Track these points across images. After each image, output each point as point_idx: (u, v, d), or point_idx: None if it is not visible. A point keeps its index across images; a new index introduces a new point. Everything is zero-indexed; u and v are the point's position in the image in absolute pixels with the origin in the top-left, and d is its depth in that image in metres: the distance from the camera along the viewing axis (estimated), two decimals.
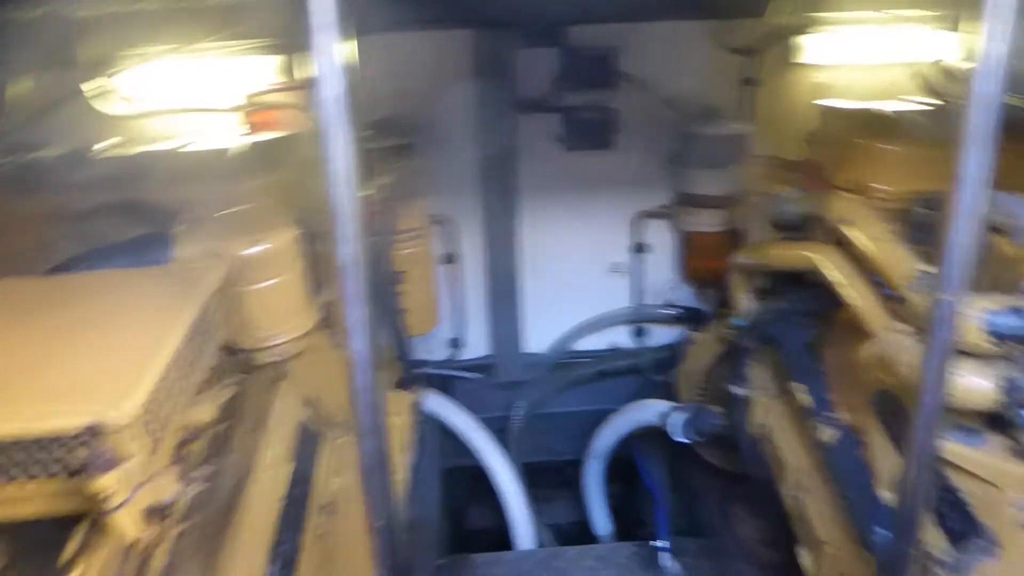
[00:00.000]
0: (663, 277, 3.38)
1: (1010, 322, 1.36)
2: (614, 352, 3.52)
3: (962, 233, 1.14)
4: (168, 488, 1.28)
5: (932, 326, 1.23)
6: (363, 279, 1.19)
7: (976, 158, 1.11)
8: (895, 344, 1.55)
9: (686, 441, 2.55)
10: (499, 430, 3.43)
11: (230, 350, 1.65)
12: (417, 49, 2.88)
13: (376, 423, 1.23)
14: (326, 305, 1.89)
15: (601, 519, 3.22)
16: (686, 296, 3.40)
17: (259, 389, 1.65)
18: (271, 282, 1.66)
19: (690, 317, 3.34)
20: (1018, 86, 1.14)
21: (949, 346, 1.23)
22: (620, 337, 3.53)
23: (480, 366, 3.49)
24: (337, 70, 1.06)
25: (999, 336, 1.37)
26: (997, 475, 1.48)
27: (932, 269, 1.43)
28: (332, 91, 1.07)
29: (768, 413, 2.14)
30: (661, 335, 3.50)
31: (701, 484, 2.73)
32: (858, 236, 1.73)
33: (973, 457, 1.50)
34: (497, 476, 3.21)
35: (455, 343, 3.46)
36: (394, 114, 2.87)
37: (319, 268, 1.85)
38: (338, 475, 1.76)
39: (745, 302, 2.35)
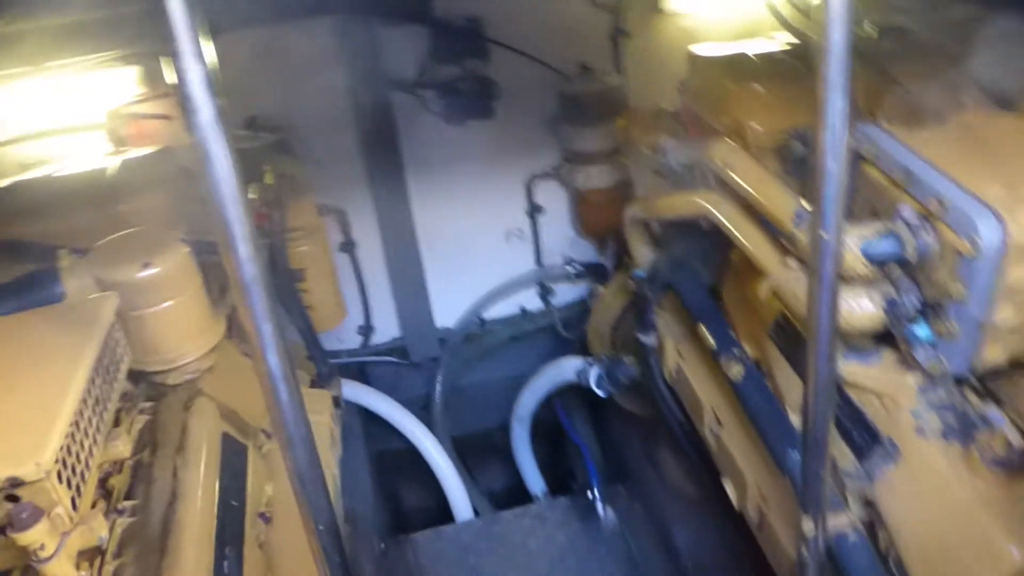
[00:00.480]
0: (562, 236, 3.45)
1: (885, 247, 1.46)
2: (524, 316, 3.58)
3: (831, 169, 1.21)
4: (97, 528, 1.27)
5: (815, 259, 1.31)
6: (266, 294, 1.18)
7: (835, 96, 1.17)
8: (786, 280, 1.64)
9: (604, 394, 2.63)
10: (422, 408, 3.46)
11: (139, 376, 1.61)
12: (280, 42, 2.81)
13: (302, 434, 1.24)
14: (230, 315, 1.86)
15: (534, 479, 3.30)
16: (586, 252, 3.47)
17: (174, 410, 1.63)
18: (169, 303, 1.63)
19: (593, 272, 3.42)
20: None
21: (833, 276, 1.32)
22: (528, 300, 3.59)
23: (393, 348, 3.50)
24: (201, 73, 1.00)
25: (877, 261, 1.47)
26: (891, 387, 1.60)
27: (809, 206, 1.53)
28: (199, 95, 1.01)
29: (678, 357, 2.23)
30: (567, 293, 3.58)
31: (624, 432, 2.84)
32: (740, 180, 1.81)
33: (868, 374, 1.62)
34: (426, 453, 3.24)
35: (365, 330, 3.45)
36: (265, 111, 2.81)
37: (217, 278, 1.82)
38: (270, 481, 1.76)
39: (643, 253, 2.43)
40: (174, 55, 1.00)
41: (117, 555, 1.35)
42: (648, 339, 2.32)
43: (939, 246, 1.42)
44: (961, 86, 1.76)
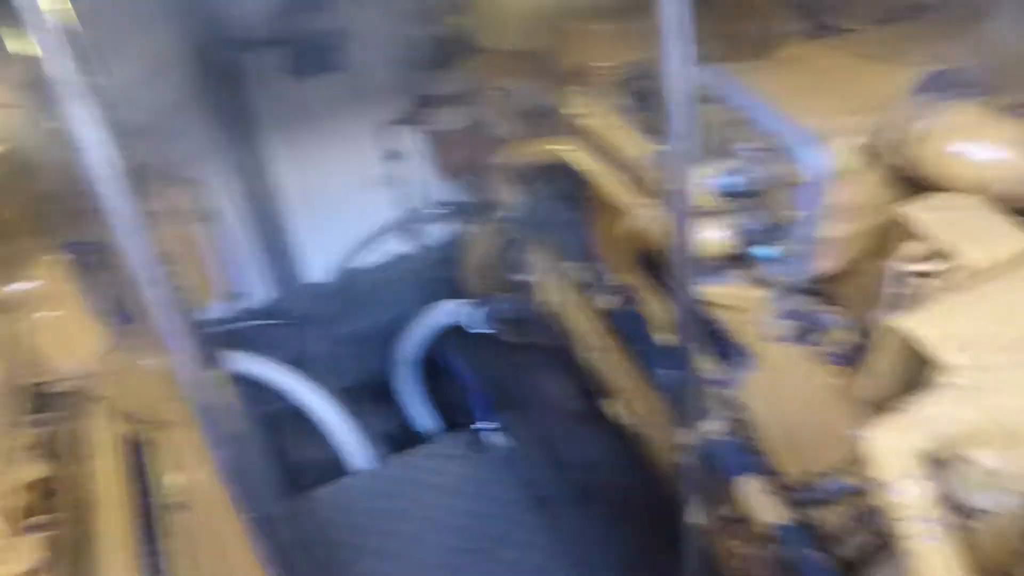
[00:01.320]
0: (424, 180, 3.51)
1: (729, 182, 1.64)
2: (396, 261, 3.65)
3: (676, 112, 1.32)
4: (23, 556, 1.27)
5: (669, 198, 1.47)
6: (166, 290, 1.21)
7: (676, 40, 1.29)
8: (645, 217, 1.80)
9: (486, 331, 2.78)
10: (304, 365, 3.49)
11: (34, 390, 1.61)
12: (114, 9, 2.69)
13: (224, 431, 1.30)
14: (119, 311, 1.86)
15: (424, 419, 3.43)
16: (450, 193, 3.56)
17: (74, 419, 1.64)
18: (53, 313, 1.61)
19: (459, 211, 3.52)
20: None
21: (687, 210, 1.48)
22: (399, 246, 3.66)
23: (270, 311, 3.50)
24: (63, 45, 0.89)
25: (724, 195, 1.65)
26: (745, 301, 1.81)
27: (661, 148, 1.68)
28: (66, 73, 0.91)
29: (552, 291, 2.38)
30: (436, 234, 3.66)
31: (506, 364, 2.99)
32: (593, 127, 1.95)
33: (723, 292, 1.82)
34: (314, 409, 3.30)
35: (239, 296, 3.43)
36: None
37: (102, 278, 1.80)
38: (181, 470, 1.80)
39: (512, 195, 2.54)
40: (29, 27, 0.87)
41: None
42: (523, 277, 2.47)
43: (775, 177, 1.61)
44: (790, 17, 1.95)
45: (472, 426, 3.05)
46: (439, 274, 3.62)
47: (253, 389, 3.18)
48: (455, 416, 3.20)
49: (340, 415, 3.30)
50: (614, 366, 2.14)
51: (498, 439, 2.99)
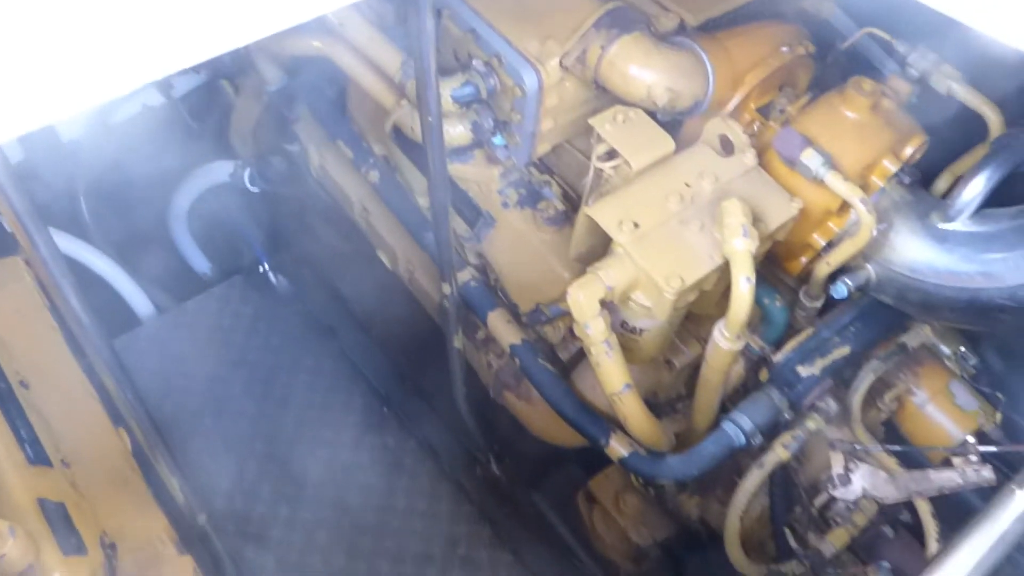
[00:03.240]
0: None
1: (466, 92, 2.12)
2: (148, 112, 3.76)
3: (421, 31, 1.68)
4: None
5: (421, 104, 1.90)
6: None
7: None
8: (402, 116, 2.26)
9: (258, 189, 3.13)
10: (71, 222, 3.64)
11: None
12: None
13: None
14: None
15: (202, 265, 3.75)
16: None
17: None
18: None
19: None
20: None
21: (436, 111, 1.92)
22: (148, 97, 3.75)
23: (22, 174, 3.55)
24: None
25: (462, 102, 2.14)
26: (483, 177, 2.36)
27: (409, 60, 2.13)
28: None
29: (322, 159, 2.78)
30: (187, 83, 3.78)
31: (280, 212, 3.38)
32: (352, 39, 2.30)
33: (468, 170, 2.36)
34: (90, 264, 3.50)
35: None
36: None
37: None
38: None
39: (274, 72, 2.83)
40: None
41: None
42: (292, 147, 2.84)
43: (502, 88, 2.12)
44: None
45: (252, 269, 3.45)
46: (193, 122, 3.79)
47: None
48: (239, 262, 3.56)
49: (117, 266, 3.53)
50: (384, 225, 2.64)
51: (278, 278, 3.43)
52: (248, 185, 3.12)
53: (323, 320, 3.37)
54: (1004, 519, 1.07)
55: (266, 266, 3.45)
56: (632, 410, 1.99)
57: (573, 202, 2.32)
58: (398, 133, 2.52)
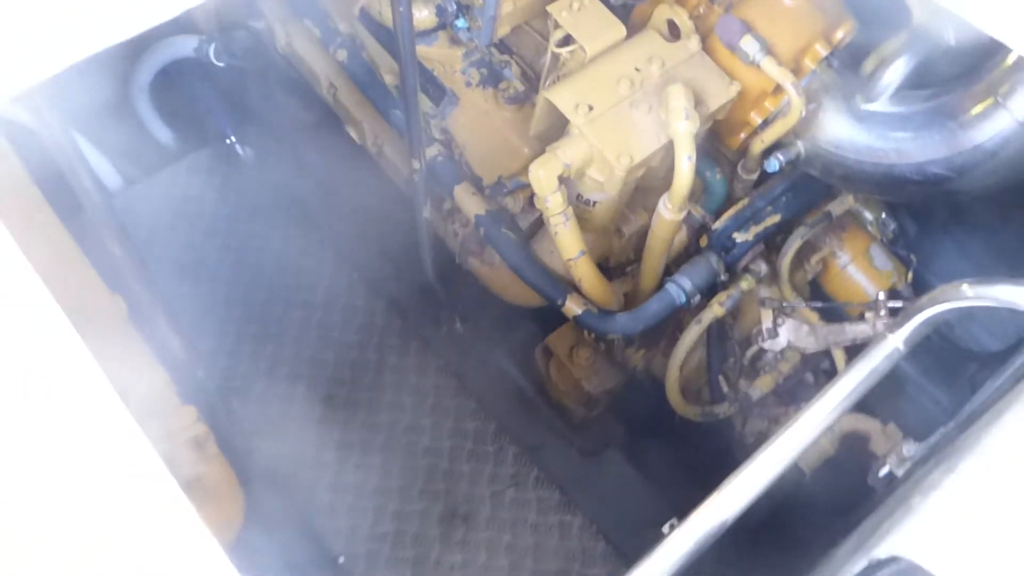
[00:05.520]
0: None
1: None
2: None
3: None
4: None
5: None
6: None
7: None
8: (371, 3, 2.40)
9: (223, 63, 3.24)
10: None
11: None
12: None
13: None
14: None
15: (165, 136, 3.86)
16: None
17: None
18: None
19: None
20: None
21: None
22: None
23: None
24: None
25: None
26: (447, 57, 2.54)
27: None
28: None
29: (288, 36, 2.90)
30: None
31: (243, 85, 3.49)
32: None
33: (432, 51, 2.53)
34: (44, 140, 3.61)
35: None
36: None
37: None
38: None
39: None
40: None
41: None
42: (257, 24, 2.95)
43: None
44: None
45: (218, 141, 3.59)
46: None
47: None
48: (205, 136, 3.69)
49: (85, 140, 3.64)
50: (352, 101, 2.80)
51: (245, 149, 3.58)
52: (213, 60, 3.22)
53: (291, 190, 3.56)
54: (876, 356, 1.38)
55: (232, 138, 3.59)
56: (586, 274, 2.28)
57: (532, 82, 2.52)
58: (363, 14, 2.67)
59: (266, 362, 3.27)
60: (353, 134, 2.89)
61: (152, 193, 3.60)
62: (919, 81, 2.20)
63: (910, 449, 1.93)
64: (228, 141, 3.61)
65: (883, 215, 2.69)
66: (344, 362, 3.30)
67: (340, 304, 3.45)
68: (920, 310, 1.34)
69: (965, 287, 1.27)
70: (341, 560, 3.00)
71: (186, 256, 3.47)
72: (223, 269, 3.46)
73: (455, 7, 2.35)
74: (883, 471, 1.89)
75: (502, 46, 2.55)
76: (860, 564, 1.15)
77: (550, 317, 2.73)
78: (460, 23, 2.39)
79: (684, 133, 2.02)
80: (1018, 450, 1.20)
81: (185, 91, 3.62)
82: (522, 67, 2.54)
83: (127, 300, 2.38)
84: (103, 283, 2.36)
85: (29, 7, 1.18)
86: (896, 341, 1.35)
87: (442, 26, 2.44)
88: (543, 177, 2.08)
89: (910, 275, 2.66)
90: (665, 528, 1.93)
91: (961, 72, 2.14)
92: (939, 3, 1.40)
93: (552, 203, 2.12)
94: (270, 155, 3.60)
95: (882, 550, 1.12)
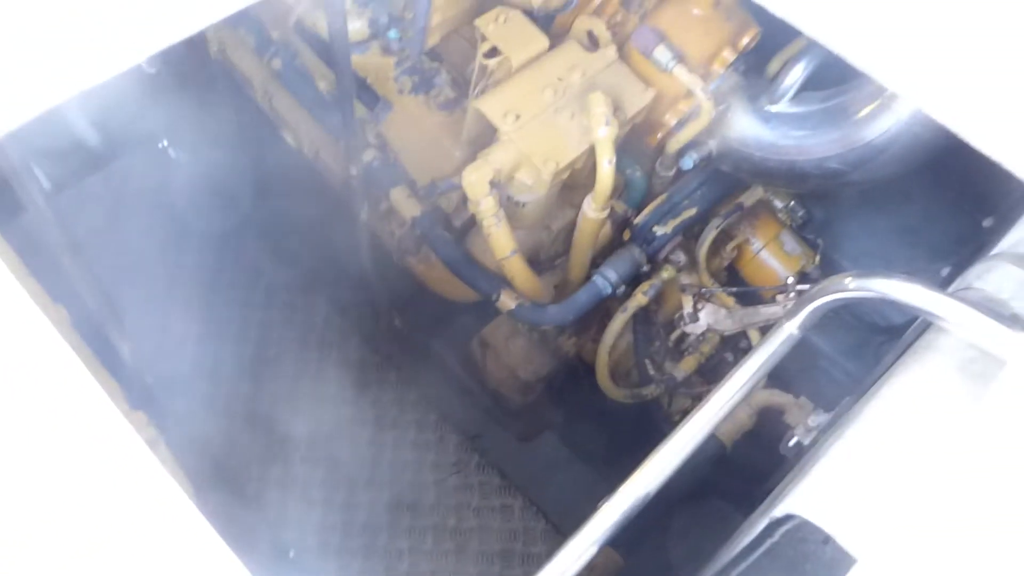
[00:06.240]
0: None
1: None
2: None
3: None
4: None
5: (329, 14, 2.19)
6: None
7: None
8: (305, 10, 2.51)
9: (155, 70, 3.29)
10: None
11: None
12: None
13: None
14: None
15: (93, 139, 3.88)
16: None
17: None
18: None
19: None
20: None
21: (341, 10, 2.21)
22: None
23: None
24: None
25: (361, 2, 2.42)
26: (381, 66, 2.66)
27: None
28: None
29: (221, 43, 2.99)
30: None
31: (178, 92, 3.55)
32: None
33: (366, 59, 2.65)
34: None
35: None
36: None
37: None
38: None
39: None
40: None
41: None
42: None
43: None
44: None
45: (155, 146, 3.64)
46: None
47: None
48: (135, 138, 3.72)
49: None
50: (288, 107, 2.90)
51: (181, 155, 3.65)
52: (144, 66, 3.27)
53: (226, 193, 3.63)
54: (775, 341, 1.58)
55: (165, 142, 3.64)
56: (518, 271, 2.45)
57: (461, 87, 2.66)
58: (298, 24, 2.77)
59: (210, 361, 3.36)
60: (289, 139, 2.99)
61: (83, 198, 3.63)
62: (817, 83, 2.42)
63: (816, 419, 2.15)
64: (160, 145, 3.66)
65: (792, 203, 2.91)
66: (285, 357, 3.42)
67: (279, 302, 3.56)
68: (811, 300, 1.53)
69: (848, 280, 1.47)
70: (291, 554, 3.12)
71: (123, 260, 3.52)
72: (160, 272, 3.53)
73: (387, 19, 2.48)
74: (792, 441, 2.10)
75: (432, 54, 2.68)
76: (762, 524, 1.34)
77: (483, 310, 2.89)
78: (392, 34, 2.52)
79: (605, 139, 2.20)
80: (893, 416, 1.41)
81: (115, 94, 3.65)
82: (452, 74, 2.68)
83: (69, 309, 2.46)
84: (45, 293, 2.44)
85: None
86: (791, 327, 1.55)
87: (374, 36, 2.56)
88: (476, 182, 2.24)
89: (818, 258, 2.89)
90: (601, 505, 2.14)
91: (852, 74, 2.36)
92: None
93: (485, 206, 2.27)
94: (204, 158, 3.66)
95: (779, 510, 1.32)
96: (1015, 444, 1.06)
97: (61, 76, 1.25)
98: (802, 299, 1.54)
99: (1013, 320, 1.33)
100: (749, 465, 2.59)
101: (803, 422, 2.20)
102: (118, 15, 1.30)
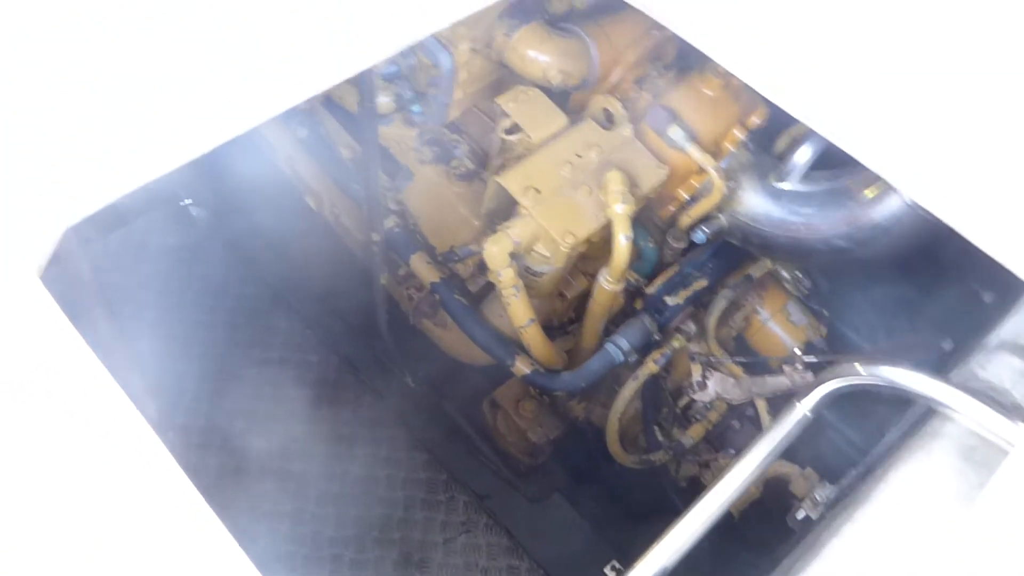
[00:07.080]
0: None
1: (390, 70, 2.52)
2: None
3: None
4: None
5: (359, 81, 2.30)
6: None
7: None
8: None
9: None
10: None
11: None
12: None
13: None
14: None
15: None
16: None
17: None
18: None
19: None
20: None
21: (371, 90, 2.34)
22: None
23: None
24: None
25: (388, 79, 2.54)
26: (403, 137, 2.78)
27: None
28: None
29: None
30: None
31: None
32: None
33: (389, 131, 2.76)
34: None
35: None
36: None
37: None
38: None
39: None
40: None
41: None
42: None
43: (420, 66, 2.52)
44: None
45: (176, 203, 3.74)
46: None
47: None
48: (158, 195, 3.83)
49: None
50: (312, 175, 3.02)
51: (202, 214, 3.75)
52: None
53: (245, 251, 3.74)
54: (789, 423, 1.66)
55: (187, 200, 3.75)
56: (535, 339, 2.53)
57: (480, 159, 2.77)
58: (330, 101, 2.89)
59: (224, 418, 3.43)
60: (311, 203, 3.10)
61: (105, 253, 3.74)
62: (825, 162, 2.52)
63: (823, 493, 2.21)
64: (183, 203, 3.76)
65: (798, 273, 3.00)
66: (298, 417, 3.48)
67: (294, 360, 3.63)
68: (823, 382, 1.61)
69: (858, 366, 1.55)
70: None
71: (143, 314, 3.61)
72: (179, 326, 3.61)
73: (411, 95, 2.59)
74: (800, 515, 2.16)
75: (452, 127, 2.80)
76: None
77: (495, 372, 2.96)
78: (415, 109, 2.63)
79: (622, 215, 2.29)
80: (904, 499, 1.48)
81: None
82: (471, 146, 2.79)
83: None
84: None
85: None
86: (804, 409, 1.62)
87: (398, 110, 2.67)
88: (496, 254, 2.32)
89: (823, 329, 2.97)
90: (607, 569, 2.18)
91: None
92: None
93: (504, 277, 2.36)
94: (224, 217, 3.76)
95: None
96: (1014, 538, 1.13)
97: (121, 171, 1.35)
98: (814, 383, 1.62)
99: (1014, 410, 1.40)
100: (756, 536, 2.64)
101: (810, 495, 2.25)
102: (174, 116, 1.40)
